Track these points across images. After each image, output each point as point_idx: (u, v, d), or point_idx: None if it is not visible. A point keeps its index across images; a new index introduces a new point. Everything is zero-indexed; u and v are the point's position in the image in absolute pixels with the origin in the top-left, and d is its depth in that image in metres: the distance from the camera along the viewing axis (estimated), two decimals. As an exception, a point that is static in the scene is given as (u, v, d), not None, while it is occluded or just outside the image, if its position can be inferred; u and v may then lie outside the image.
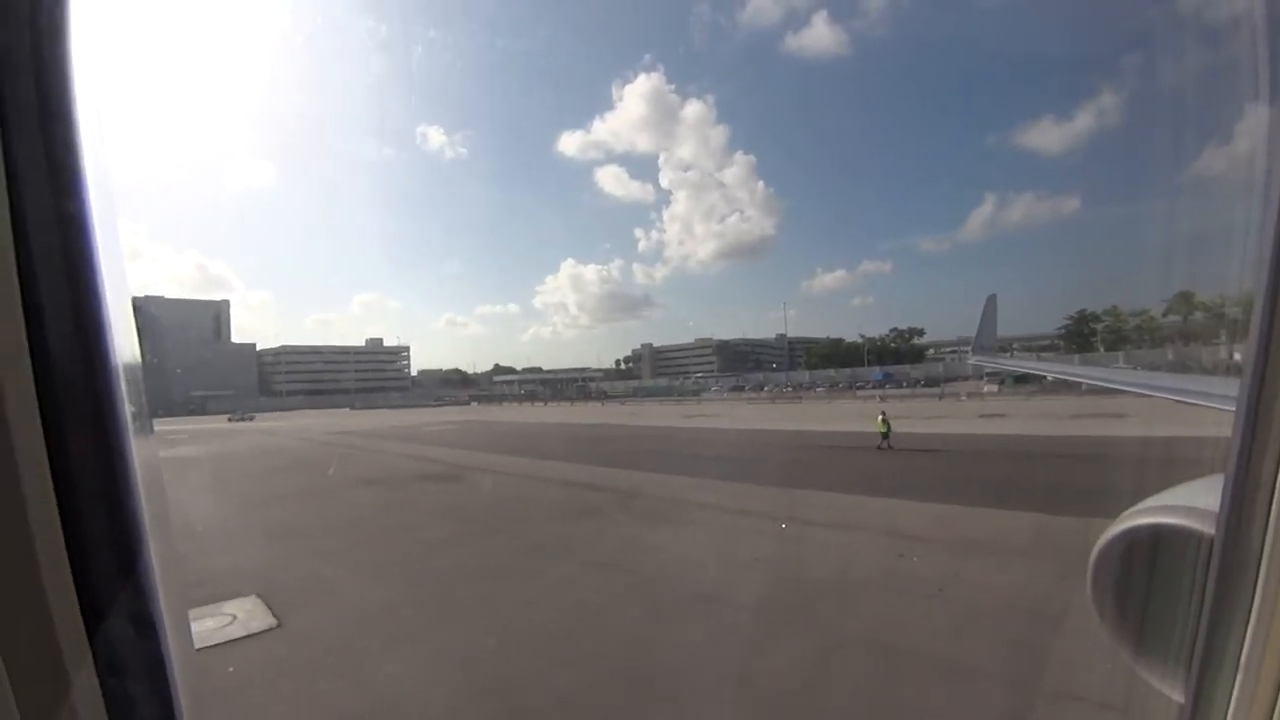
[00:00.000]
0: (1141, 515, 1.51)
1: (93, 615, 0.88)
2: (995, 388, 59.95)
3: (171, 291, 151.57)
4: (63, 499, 0.85)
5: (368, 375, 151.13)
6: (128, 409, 0.94)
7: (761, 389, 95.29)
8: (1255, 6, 1.14)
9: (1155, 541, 1.47)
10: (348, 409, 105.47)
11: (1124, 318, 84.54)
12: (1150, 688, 1.42)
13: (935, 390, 66.08)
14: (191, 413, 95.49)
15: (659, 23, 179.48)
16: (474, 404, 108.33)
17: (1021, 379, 65.19)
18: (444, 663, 7.34)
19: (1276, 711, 1.04)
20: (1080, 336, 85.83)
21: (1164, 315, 79.00)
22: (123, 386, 0.94)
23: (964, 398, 52.94)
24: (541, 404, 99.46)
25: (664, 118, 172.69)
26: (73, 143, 0.90)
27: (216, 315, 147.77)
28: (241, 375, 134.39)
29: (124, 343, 0.95)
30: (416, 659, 7.39)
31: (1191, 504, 1.40)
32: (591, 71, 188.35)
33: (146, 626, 0.97)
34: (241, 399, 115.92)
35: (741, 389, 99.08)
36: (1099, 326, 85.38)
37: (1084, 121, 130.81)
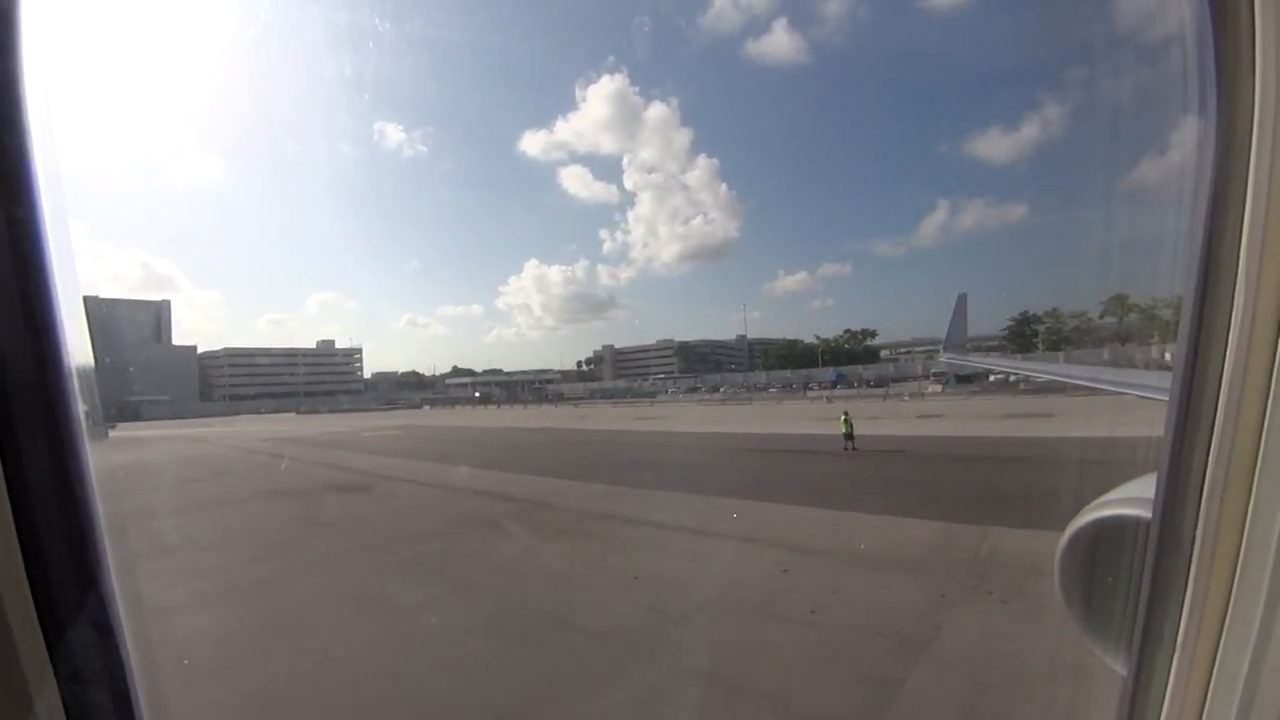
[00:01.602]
0: (1102, 508, 1.62)
1: (51, 622, 0.87)
2: (939, 388, 61.19)
3: (114, 292, 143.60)
4: (17, 505, 0.84)
5: (319, 378, 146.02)
6: (82, 412, 0.93)
7: (717, 390, 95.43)
8: (1186, 27, 1.17)
9: (1113, 531, 1.57)
10: (293, 414, 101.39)
11: (1063, 319, 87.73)
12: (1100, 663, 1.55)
13: (882, 391, 66.97)
14: (125, 419, 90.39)
15: (622, 24, 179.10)
16: (427, 407, 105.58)
17: (964, 379, 66.97)
18: (228, 704, 6.41)
19: (1211, 685, 1.11)
20: (1022, 337, 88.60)
21: (1100, 317, 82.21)
22: (76, 389, 0.93)
23: (907, 398, 53.68)
24: (496, 407, 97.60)
25: (628, 119, 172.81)
26: (23, 144, 0.88)
27: (156, 316, 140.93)
28: (181, 379, 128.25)
29: (77, 345, 0.94)
30: (195, 701, 6.44)
31: (1137, 495, 1.49)
32: (554, 71, 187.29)
33: (106, 633, 0.96)
34: (180, 404, 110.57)
35: (697, 390, 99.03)
36: (1040, 328, 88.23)
37: (1029, 132, 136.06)
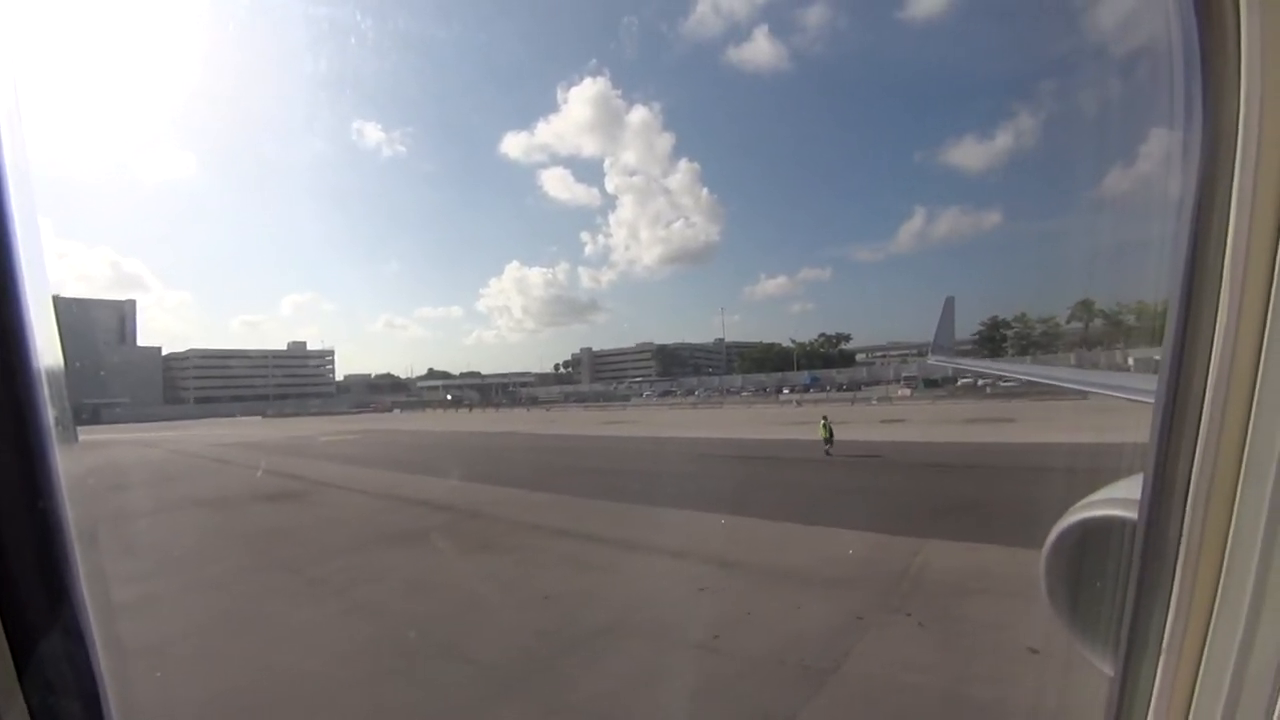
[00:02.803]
0: (1089, 508, 1.61)
1: (18, 629, 0.85)
2: (909, 392, 61.43)
3: (81, 291, 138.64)
4: None
5: (289, 381, 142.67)
6: (50, 415, 0.92)
7: (691, 394, 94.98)
8: (1159, 39, 1.19)
9: (1099, 532, 1.54)
10: (260, 417, 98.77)
11: (1031, 324, 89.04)
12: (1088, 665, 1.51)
13: (851, 395, 66.93)
14: (81, 422, 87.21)
15: (605, 28, 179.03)
16: (397, 411, 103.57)
17: (932, 383, 67.49)
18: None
19: (1197, 686, 1.11)
20: (992, 342, 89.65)
21: (1067, 322, 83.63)
22: (45, 392, 0.91)
23: (874, 402, 53.62)
24: (468, 410, 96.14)
25: (609, 122, 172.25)
26: None
27: (120, 317, 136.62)
28: (144, 382, 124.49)
29: (46, 347, 0.92)
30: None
31: (1124, 496, 1.48)
32: (536, 72, 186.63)
33: (76, 640, 0.94)
34: (142, 407, 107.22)
35: (672, 394, 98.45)
36: (1009, 333, 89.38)
37: (1003, 141, 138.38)
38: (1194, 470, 1.09)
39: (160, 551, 13.48)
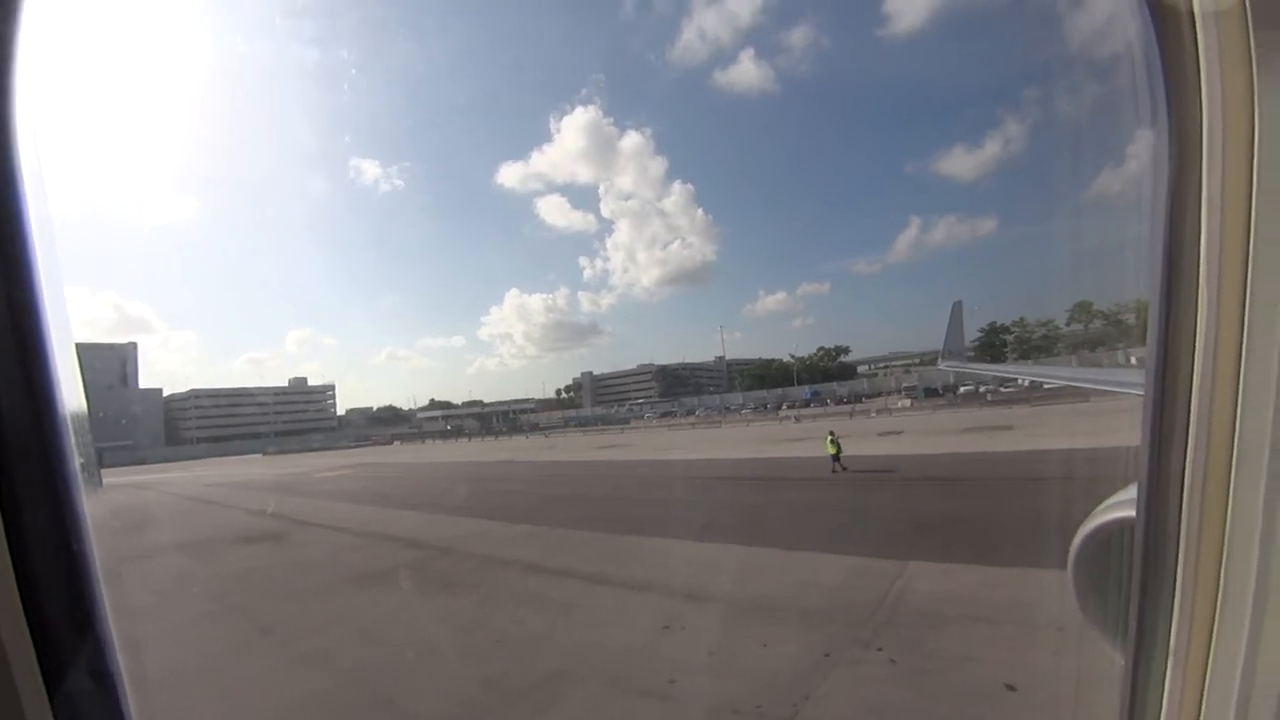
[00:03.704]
0: (1106, 511, 1.61)
1: (53, 672, 0.86)
2: (909, 402, 60.62)
3: (87, 336, 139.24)
4: (16, 555, 0.83)
5: (291, 417, 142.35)
6: (77, 463, 0.93)
7: (692, 413, 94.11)
8: (1133, 47, 1.20)
9: (1114, 534, 1.54)
10: (261, 455, 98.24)
11: (1030, 328, 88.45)
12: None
13: (849, 408, 66.01)
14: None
15: (594, 58, 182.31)
16: (397, 443, 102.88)
17: (932, 392, 66.74)
18: None
19: (1207, 680, 1.10)
20: (992, 347, 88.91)
21: (1067, 324, 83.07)
22: (71, 440, 0.93)
23: (874, 414, 52.70)
24: (467, 440, 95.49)
25: (603, 149, 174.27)
26: (16, 195, 0.89)
27: (122, 361, 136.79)
28: (146, 423, 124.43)
29: (70, 395, 0.94)
30: None
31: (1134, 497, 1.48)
32: (529, 103, 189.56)
33: (106, 683, 0.95)
34: (143, 449, 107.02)
35: (673, 414, 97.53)
36: (1009, 338, 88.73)
37: (990, 149, 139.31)
38: (1187, 465, 1.10)
39: (117, 603, 12.94)
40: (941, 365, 15.97)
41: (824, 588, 9.70)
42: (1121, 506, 1.55)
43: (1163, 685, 1.15)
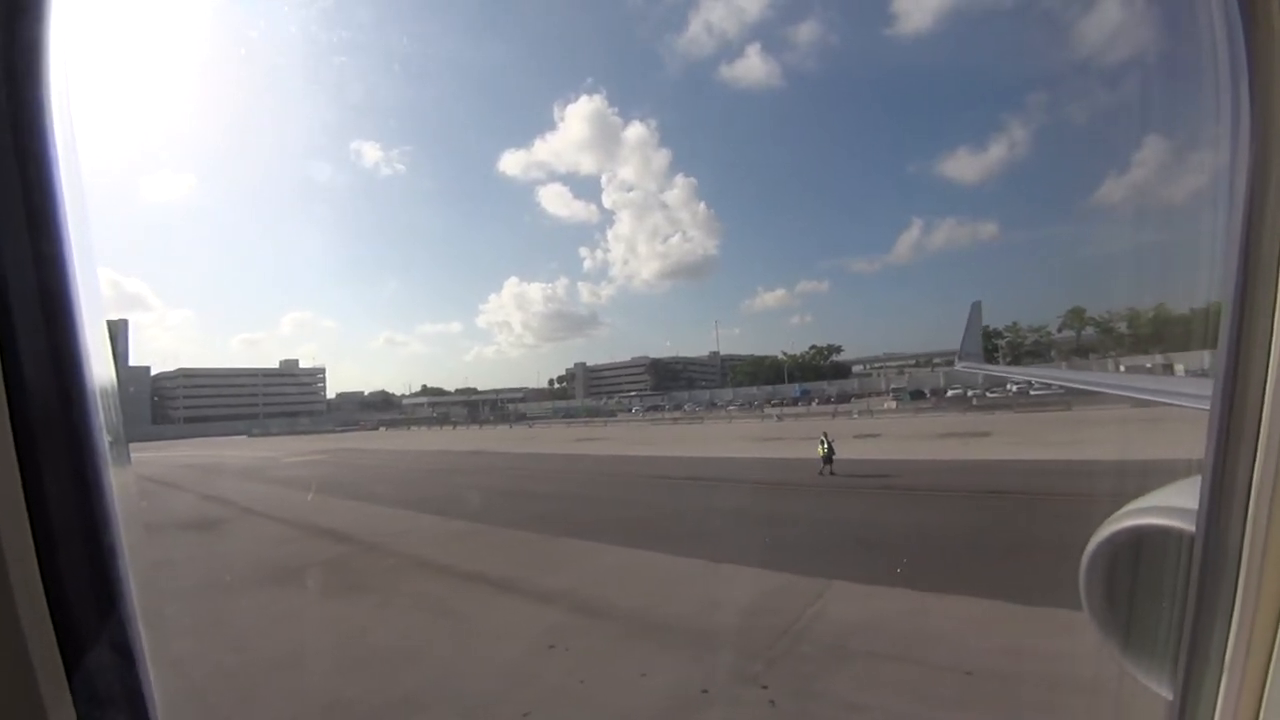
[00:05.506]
0: (1127, 518, 1.49)
1: (73, 651, 0.85)
2: (895, 404, 59.96)
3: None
4: (38, 533, 0.83)
5: (280, 399, 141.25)
6: (105, 439, 0.92)
7: (680, 408, 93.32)
8: (1144, 58, 1.37)
9: (1140, 542, 1.45)
10: (244, 436, 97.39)
11: (1022, 333, 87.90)
12: (1140, 686, 1.38)
13: (831, 408, 65.21)
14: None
15: (600, 47, 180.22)
16: (382, 429, 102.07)
17: (917, 395, 66.09)
18: None
19: (1264, 706, 1.05)
20: (986, 351, 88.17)
21: (1059, 330, 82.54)
22: (100, 417, 0.92)
23: (855, 415, 51.94)
24: (453, 427, 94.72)
25: (606, 139, 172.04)
26: (50, 179, 0.88)
27: (112, 338, 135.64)
28: (132, 402, 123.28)
29: (101, 372, 0.93)
30: None
31: (1173, 504, 1.38)
32: (533, 90, 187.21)
33: (128, 662, 0.94)
34: (128, 428, 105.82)
35: (660, 408, 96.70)
36: (1001, 342, 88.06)
37: (996, 151, 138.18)
38: (1254, 479, 1.04)
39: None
40: (959, 366, 15.52)
41: (734, 608, 8.96)
42: (1152, 513, 1.42)
43: (1214, 707, 1.09)
